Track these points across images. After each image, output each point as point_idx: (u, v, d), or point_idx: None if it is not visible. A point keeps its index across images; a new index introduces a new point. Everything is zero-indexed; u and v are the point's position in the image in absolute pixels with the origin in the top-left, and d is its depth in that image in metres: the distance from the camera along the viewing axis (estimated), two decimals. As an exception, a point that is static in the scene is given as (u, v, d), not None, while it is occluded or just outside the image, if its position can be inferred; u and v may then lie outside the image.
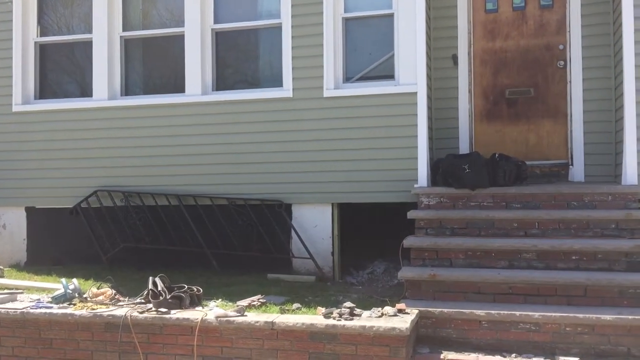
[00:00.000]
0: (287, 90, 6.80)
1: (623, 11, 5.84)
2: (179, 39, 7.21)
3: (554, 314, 4.68)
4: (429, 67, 6.64)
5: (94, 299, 5.38)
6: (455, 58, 6.98)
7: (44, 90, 7.78)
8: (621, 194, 5.65)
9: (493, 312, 4.77)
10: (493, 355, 4.61)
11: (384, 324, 4.51)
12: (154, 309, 5.02)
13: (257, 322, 4.73)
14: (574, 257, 5.24)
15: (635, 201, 5.61)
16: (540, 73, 6.85)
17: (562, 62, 6.76)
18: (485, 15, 7.00)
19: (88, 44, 7.47)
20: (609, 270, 5.15)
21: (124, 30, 7.47)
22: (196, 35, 7.08)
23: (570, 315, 4.66)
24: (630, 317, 4.60)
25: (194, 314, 4.90)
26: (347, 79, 6.79)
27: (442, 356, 4.60)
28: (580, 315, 4.65)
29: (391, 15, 6.63)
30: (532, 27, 6.88)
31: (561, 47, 6.77)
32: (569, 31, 6.71)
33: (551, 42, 6.81)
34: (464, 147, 6.92)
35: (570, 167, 6.69)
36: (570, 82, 6.70)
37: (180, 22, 7.22)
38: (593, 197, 5.68)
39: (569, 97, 6.72)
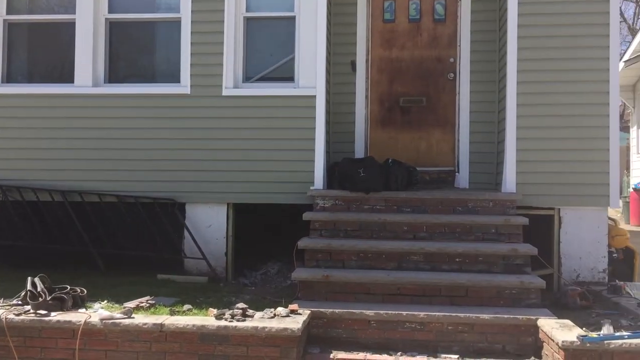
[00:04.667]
0: (184, 86, 6.65)
1: (508, 30, 6.25)
2: (70, 26, 6.83)
3: (437, 314, 4.90)
4: (328, 71, 6.75)
5: (-37, 301, 4.97)
6: (353, 64, 7.14)
7: None
8: (501, 201, 6.04)
9: (382, 312, 4.92)
10: (380, 354, 4.74)
11: (277, 324, 4.52)
12: (32, 310, 4.72)
13: (145, 324, 4.57)
14: (457, 260, 5.53)
15: (513, 207, 6.02)
16: (432, 83, 7.17)
17: (452, 74, 7.12)
18: (383, 25, 7.23)
19: (-35, 25, 6.91)
20: (489, 272, 5.48)
21: (7, 13, 6.97)
22: (88, 24, 6.73)
23: (453, 314, 4.90)
24: (505, 316, 4.90)
25: (77, 316, 4.66)
26: (247, 78, 6.75)
27: (332, 356, 4.68)
28: (461, 315, 4.90)
29: (293, 18, 6.66)
30: (426, 39, 7.19)
31: (452, 60, 7.13)
32: (459, 45, 7.07)
33: (443, 55, 7.16)
34: (359, 152, 7.10)
35: (457, 174, 7.05)
36: (459, 93, 7.07)
37: (71, 9, 6.84)
38: (476, 203, 6.03)
39: (457, 108, 7.08)
